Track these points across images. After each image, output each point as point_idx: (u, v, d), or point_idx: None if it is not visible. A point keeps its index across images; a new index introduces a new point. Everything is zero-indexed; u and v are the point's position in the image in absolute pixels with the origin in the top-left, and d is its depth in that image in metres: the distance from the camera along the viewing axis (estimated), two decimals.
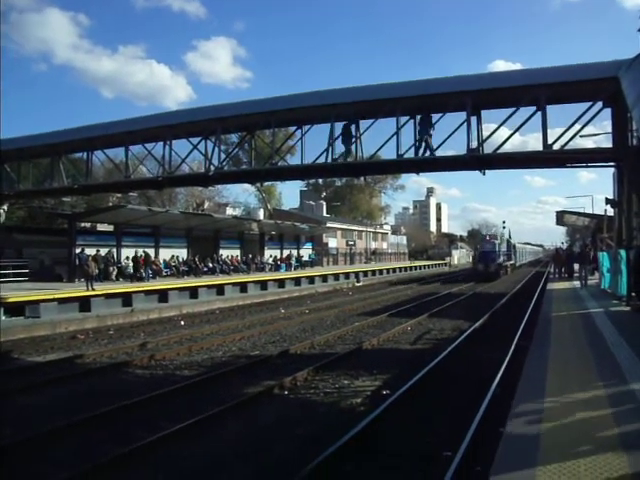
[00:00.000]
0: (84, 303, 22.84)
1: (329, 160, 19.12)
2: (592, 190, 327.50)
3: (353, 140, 19.22)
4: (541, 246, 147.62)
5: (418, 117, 18.26)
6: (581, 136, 17.10)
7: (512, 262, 60.99)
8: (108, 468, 7.32)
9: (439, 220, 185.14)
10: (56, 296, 21.80)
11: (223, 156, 22.14)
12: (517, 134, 17.77)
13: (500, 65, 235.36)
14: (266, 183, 67.74)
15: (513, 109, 16.84)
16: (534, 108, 16.58)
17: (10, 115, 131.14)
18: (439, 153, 18.26)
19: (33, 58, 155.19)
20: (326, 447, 7.62)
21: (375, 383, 12.26)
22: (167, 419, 9.35)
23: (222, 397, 10.68)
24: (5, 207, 34.01)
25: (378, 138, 19.14)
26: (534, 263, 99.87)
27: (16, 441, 8.26)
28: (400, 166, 20.77)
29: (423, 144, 17.90)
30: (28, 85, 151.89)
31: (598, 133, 20.75)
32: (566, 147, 16.47)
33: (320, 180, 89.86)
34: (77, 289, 23.59)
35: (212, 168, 21.03)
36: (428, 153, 17.91)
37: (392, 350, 16.53)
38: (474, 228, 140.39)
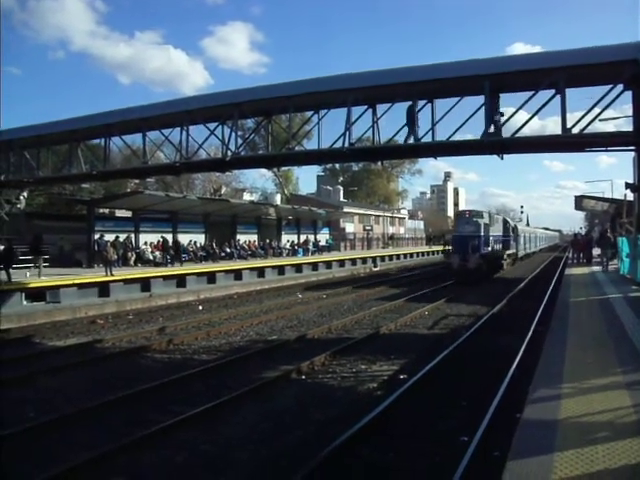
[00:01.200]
0: (103, 288, 23.08)
1: (346, 145, 19.02)
2: (612, 175, 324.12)
3: (370, 125, 19.11)
4: (559, 231, 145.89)
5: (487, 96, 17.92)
6: (601, 120, 16.81)
7: (511, 252, 42.59)
8: (129, 449, 7.44)
9: (457, 205, 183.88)
10: (76, 281, 22.04)
11: (240, 141, 22.06)
12: (536, 118, 17.48)
13: (519, 48, 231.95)
14: (283, 168, 67.60)
15: (532, 92, 16.62)
16: (553, 91, 16.34)
17: (29, 102, 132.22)
18: (456, 137, 18.08)
19: (51, 45, 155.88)
20: (343, 431, 7.67)
21: (392, 368, 12.29)
22: (185, 403, 9.46)
23: (240, 381, 10.77)
24: (25, 194, 34.32)
25: (396, 122, 19.04)
26: (552, 248, 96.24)
27: (38, 423, 8.42)
28: (417, 150, 20.58)
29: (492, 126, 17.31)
30: (46, 72, 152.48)
31: (618, 117, 20.47)
32: (585, 131, 16.21)
33: (337, 165, 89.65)
34: (96, 274, 23.82)
35: (229, 153, 20.97)
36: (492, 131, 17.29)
37: (409, 335, 16.55)
38: (494, 213, 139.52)
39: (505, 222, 42.20)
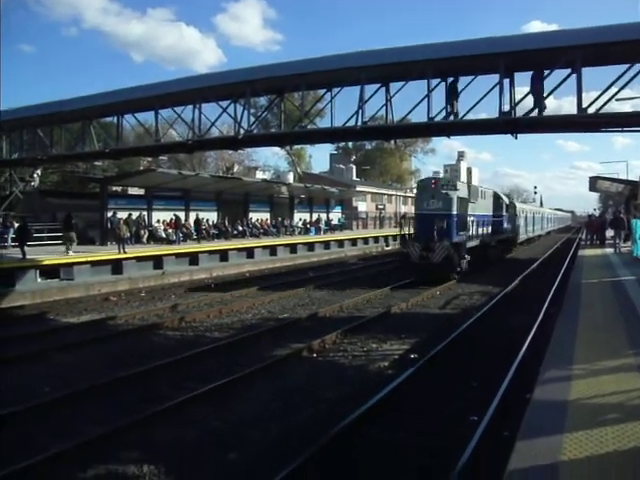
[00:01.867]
0: (116, 266, 23.25)
1: (359, 123, 18.92)
2: (627, 156, 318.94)
3: (383, 103, 18.98)
4: (572, 212, 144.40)
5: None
6: (617, 100, 16.61)
7: (505, 236, 34.47)
8: (141, 425, 7.54)
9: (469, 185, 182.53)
10: (89, 259, 22.20)
11: (252, 119, 22.04)
12: (551, 97, 17.26)
13: (536, 26, 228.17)
14: (295, 146, 67.32)
15: (547, 71, 16.41)
16: (569, 70, 16.13)
17: (42, 80, 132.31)
18: (470, 116, 17.93)
19: (63, 22, 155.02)
20: (353, 410, 7.73)
21: (403, 347, 12.32)
22: (198, 380, 9.55)
23: (252, 359, 10.84)
24: (39, 172, 34.53)
25: (409, 101, 18.91)
26: (564, 230, 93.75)
27: (54, 398, 8.56)
28: (431, 129, 20.42)
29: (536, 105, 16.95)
30: (59, 50, 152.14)
31: (636, 97, 20.16)
32: (602, 111, 16.02)
33: (350, 144, 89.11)
34: (109, 252, 23.99)
35: (241, 131, 20.95)
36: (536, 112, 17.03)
37: (421, 314, 16.57)
38: (505, 193, 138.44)
39: (496, 198, 33.19)
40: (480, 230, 27.64)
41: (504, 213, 33.99)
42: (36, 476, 6.18)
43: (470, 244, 24.82)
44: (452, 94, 17.46)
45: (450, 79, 17.88)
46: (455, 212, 23.43)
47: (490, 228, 30.38)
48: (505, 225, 34.33)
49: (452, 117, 17.61)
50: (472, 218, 26.10)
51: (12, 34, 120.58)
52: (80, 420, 7.93)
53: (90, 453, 6.74)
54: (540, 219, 62.09)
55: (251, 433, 7.52)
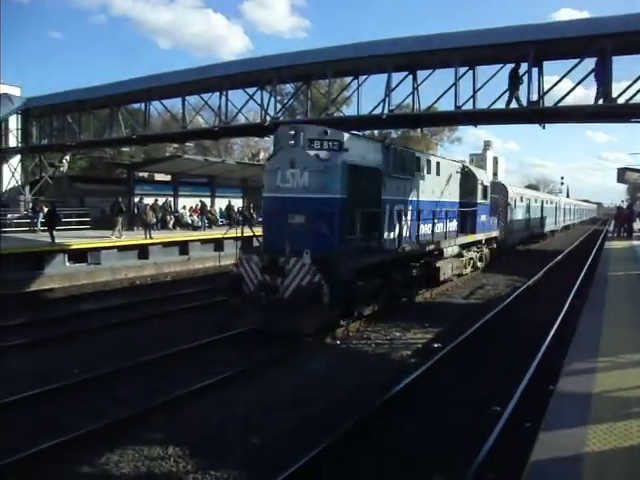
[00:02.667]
0: (142, 251, 23.51)
1: (385, 111, 18.87)
2: None
3: (410, 92, 18.87)
4: (599, 204, 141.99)
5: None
6: None
7: (487, 237, 23.15)
8: (168, 405, 7.69)
9: (495, 174, 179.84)
10: (116, 244, 22.49)
11: (279, 106, 22.12)
12: (580, 86, 17.03)
13: (566, 14, 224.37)
14: None
15: (576, 60, 16.17)
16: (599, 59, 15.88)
17: (71, 67, 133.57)
18: (497, 105, 17.76)
19: (92, 10, 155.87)
20: (374, 398, 7.77)
21: (426, 336, 12.31)
22: (223, 364, 9.68)
23: (275, 345, 10.87)
24: (67, 157, 34.95)
25: (436, 89, 18.83)
26: (588, 223, 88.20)
27: (85, 379, 8.78)
28: (457, 118, 20.28)
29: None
30: (87, 37, 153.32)
31: None
32: (632, 101, 15.76)
33: (376, 132, 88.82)
34: (136, 237, 24.27)
35: (268, 118, 21.04)
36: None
37: (445, 304, 16.50)
38: (531, 183, 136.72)
39: (465, 175, 20.62)
40: (421, 229, 16.16)
41: (479, 201, 21.34)
42: (63, 455, 6.34)
43: (381, 260, 13.27)
44: (515, 79, 17.16)
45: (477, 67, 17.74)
46: (339, 195, 12.07)
47: (450, 224, 18.61)
48: (479, 220, 21.55)
49: (514, 103, 17.29)
50: (398, 208, 14.93)
51: (43, 21, 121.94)
52: (108, 401, 8.09)
53: (117, 434, 6.90)
54: (553, 210, 48.29)
55: (271, 418, 7.55)
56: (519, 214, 32.73)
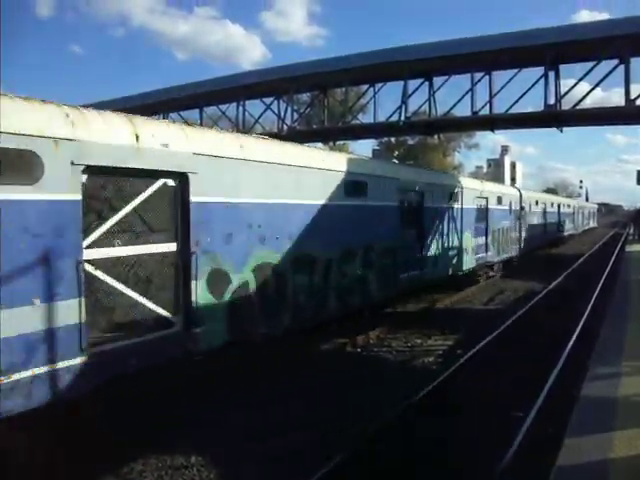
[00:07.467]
0: None
1: (402, 118, 18.92)
2: None
3: (427, 98, 18.91)
4: (619, 206, 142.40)
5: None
6: None
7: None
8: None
9: (513, 179, 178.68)
10: None
11: (296, 115, 22.28)
12: (599, 89, 16.98)
13: (585, 16, 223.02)
14: (338, 142, 67.39)
15: (594, 63, 16.10)
16: (617, 61, 15.81)
17: (91, 80, 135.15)
18: (515, 110, 17.74)
19: (111, 23, 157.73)
20: (396, 405, 7.78)
21: (447, 343, 12.29)
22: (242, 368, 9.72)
23: (295, 353, 10.86)
24: None
25: (453, 95, 18.86)
26: (607, 226, 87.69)
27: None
28: (474, 123, 20.28)
29: None
30: (106, 50, 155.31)
31: None
32: None
33: (393, 139, 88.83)
34: None
35: (285, 128, 21.18)
36: None
37: (464, 310, 16.45)
38: (549, 187, 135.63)
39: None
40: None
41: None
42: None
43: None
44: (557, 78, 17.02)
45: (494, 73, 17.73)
46: None
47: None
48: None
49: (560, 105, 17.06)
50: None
51: (64, 35, 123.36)
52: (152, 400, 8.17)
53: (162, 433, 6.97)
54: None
55: (289, 425, 7.56)
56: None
